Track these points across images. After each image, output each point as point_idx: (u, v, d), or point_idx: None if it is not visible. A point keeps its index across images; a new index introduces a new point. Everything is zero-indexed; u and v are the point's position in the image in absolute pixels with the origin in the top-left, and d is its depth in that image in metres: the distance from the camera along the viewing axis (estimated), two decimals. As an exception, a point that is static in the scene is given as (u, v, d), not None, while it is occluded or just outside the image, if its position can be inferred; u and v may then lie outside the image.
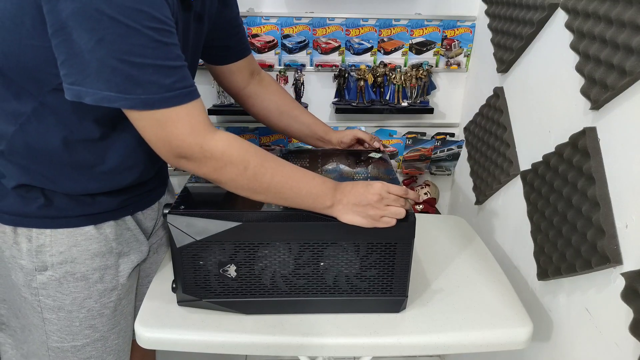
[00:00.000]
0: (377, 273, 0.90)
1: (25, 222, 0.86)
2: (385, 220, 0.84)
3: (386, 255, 0.88)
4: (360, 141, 1.22)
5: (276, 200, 0.85)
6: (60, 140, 0.81)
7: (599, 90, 0.89)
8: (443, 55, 1.64)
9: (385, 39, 1.60)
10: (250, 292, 0.90)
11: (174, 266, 0.88)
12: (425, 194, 1.80)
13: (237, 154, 0.78)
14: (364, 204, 0.83)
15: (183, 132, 0.74)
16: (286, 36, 1.57)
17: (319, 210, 0.85)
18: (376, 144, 1.19)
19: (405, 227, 0.86)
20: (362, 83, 1.60)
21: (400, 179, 1.84)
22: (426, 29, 1.60)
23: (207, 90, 1.63)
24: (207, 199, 0.93)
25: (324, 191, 0.84)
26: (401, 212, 0.85)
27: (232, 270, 0.88)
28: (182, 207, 0.85)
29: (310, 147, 1.27)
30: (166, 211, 0.84)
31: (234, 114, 1.65)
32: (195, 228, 0.84)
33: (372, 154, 1.16)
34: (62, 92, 0.74)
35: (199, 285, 0.90)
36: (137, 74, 0.69)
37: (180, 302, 0.93)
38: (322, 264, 0.88)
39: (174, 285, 0.91)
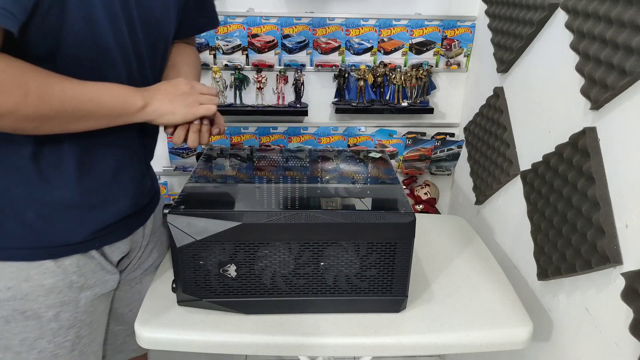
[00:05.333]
0: (377, 273, 0.90)
1: None
2: (205, 107, 0.80)
3: (386, 255, 0.88)
4: None
5: (76, 124, 0.70)
6: None
7: (599, 90, 0.89)
8: (443, 55, 1.64)
9: (385, 39, 1.60)
10: (250, 292, 0.90)
11: (174, 266, 0.88)
12: (425, 194, 1.80)
13: (9, 77, 0.62)
14: (179, 93, 0.78)
15: None
16: (286, 36, 1.57)
17: (131, 115, 0.74)
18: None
19: (406, 226, 0.86)
20: (362, 83, 1.60)
21: (400, 179, 1.84)
22: (426, 29, 1.60)
23: (207, 90, 1.62)
24: (207, 199, 0.93)
25: (130, 93, 0.74)
26: (214, 100, 0.82)
27: (232, 270, 0.88)
28: (182, 207, 0.85)
29: (310, 147, 1.27)
30: (166, 211, 0.84)
31: (234, 114, 1.65)
32: (195, 228, 0.84)
33: (372, 154, 1.16)
34: None
35: (199, 285, 0.90)
36: None
37: (181, 302, 0.93)
38: (322, 263, 0.88)
39: (174, 285, 0.91)
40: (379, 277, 0.90)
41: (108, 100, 0.71)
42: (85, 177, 0.78)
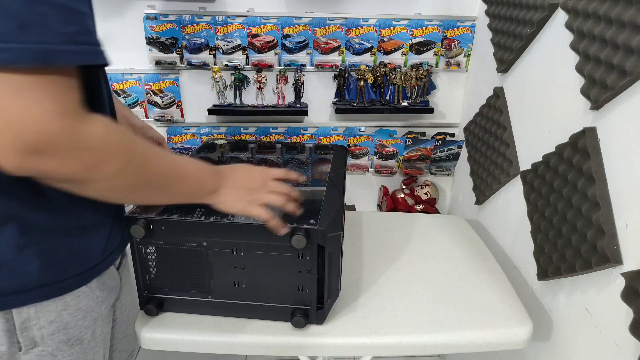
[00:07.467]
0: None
1: (6, 302, 0.67)
2: (260, 211, 0.79)
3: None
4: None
5: (155, 197, 0.71)
6: None
7: (599, 90, 0.89)
8: (443, 55, 1.64)
9: (385, 39, 1.60)
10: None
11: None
12: (425, 194, 1.80)
13: (120, 142, 0.60)
14: (248, 186, 0.80)
15: (50, 108, 0.51)
16: (286, 36, 1.57)
17: (199, 198, 0.76)
18: None
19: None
20: (362, 83, 1.60)
21: (400, 178, 1.84)
22: (426, 29, 1.60)
23: (206, 90, 1.63)
24: None
25: (207, 175, 0.77)
26: (279, 200, 0.82)
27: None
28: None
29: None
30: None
31: (234, 113, 1.65)
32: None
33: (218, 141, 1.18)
34: None
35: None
36: (25, 11, 0.48)
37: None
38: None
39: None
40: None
41: (189, 182, 0.73)
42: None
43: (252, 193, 0.80)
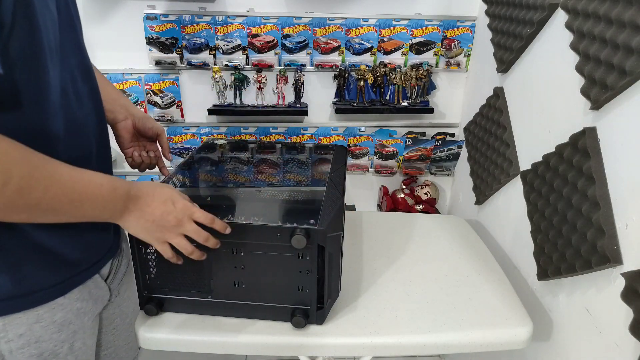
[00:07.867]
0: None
1: None
2: (162, 247, 0.74)
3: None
4: (150, 138, 1.00)
5: (43, 219, 0.61)
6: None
7: (599, 90, 0.89)
8: (443, 55, 1.64)
9: (385, 39, 1.60)
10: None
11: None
12: (425, 194, 1.80)
13: None
14: (160, 223, 0.72)
15: None
16: (286, 36, 1.57)
17: (103, 220, 0.68)
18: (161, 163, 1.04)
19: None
20: (362, 83, 1.60)
21: (400, 178, 1.84)
22: (426, 29, 1.60)
23: (206, 90, 1.63)
24: None
25: (114, 201, 0.67)
26: (187, 249, 0.75)
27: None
28: None
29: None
30: None
31: (234, 113, 1.65)
32: None
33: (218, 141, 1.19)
34: None
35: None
36: None
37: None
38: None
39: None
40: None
41: (87, 207, 0.63)
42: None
43: (161, 231, 0.72)
